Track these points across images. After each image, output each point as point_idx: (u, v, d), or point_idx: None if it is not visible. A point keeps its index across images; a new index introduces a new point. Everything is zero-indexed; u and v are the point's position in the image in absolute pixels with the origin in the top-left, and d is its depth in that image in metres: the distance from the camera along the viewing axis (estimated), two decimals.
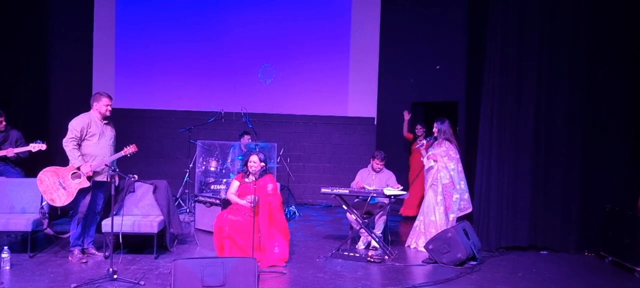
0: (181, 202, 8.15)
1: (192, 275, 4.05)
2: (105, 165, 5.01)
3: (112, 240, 4.94)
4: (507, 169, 6.09)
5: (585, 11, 5.98)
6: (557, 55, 6.04)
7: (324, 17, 9.72)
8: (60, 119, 5.90)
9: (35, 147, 5.61)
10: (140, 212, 5.63)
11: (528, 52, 6.06)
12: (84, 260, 5.14)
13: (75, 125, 5.03)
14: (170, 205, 5.75)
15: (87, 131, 5.04)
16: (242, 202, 5.42)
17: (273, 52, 9.74)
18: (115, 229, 4.90)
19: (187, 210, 7.76)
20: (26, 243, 5.34)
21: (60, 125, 5.42)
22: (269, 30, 9.71)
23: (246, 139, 7.92)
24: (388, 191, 5.82)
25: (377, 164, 6.24)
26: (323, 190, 6.01)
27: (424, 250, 5.79)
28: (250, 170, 5.54)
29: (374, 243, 5.95)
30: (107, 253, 5.19)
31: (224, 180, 7.30)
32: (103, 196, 5.34)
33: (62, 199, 4.98)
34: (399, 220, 7.97)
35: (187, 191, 8.09)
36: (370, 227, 5.92)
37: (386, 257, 5.60)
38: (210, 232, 5.82)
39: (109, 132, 5.24)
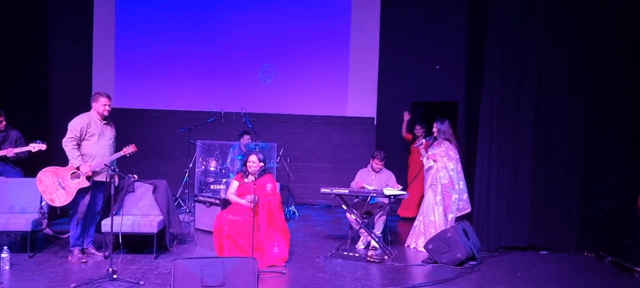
0: (181, 201, 8.15)
1: (192, 275, 4.05)
2: (105, 165, 5.01)
3: (111, 240, 4.94)
4: (507, 169, 6.09)
5: (585, 11, 5.98)
6: (557, 55, 6.04)
7: (324, 17, 9.72)
8: (60, 119, 5.90)
9: (35, 147, 5.61)
10: (139, 212, 5.63)
11: (528, 52, 6.06)
12: (83, 260, 5.14)
13: (75, 125, 5.04)
14: (170, 205, 5.75)
15: (86, 131, 5.05)
16: (243, 201, 5.42)
17: (273, 52, 9.73)
18: (115, 229, 4.90)
19: (187, 210, 7.76)
20: (26, 243, 5.33)
21: (60, 125, 5.42)
22: (269, 30, 9.70)
23: (246, 138, 7.93)
24: (388, 191, 5.81)
25: (377, 164, 6.24)
26: (323, 190, 6.01)
27: (423, 250, 5.79)
28: (249, 170, 5.54)
29: (373, 243, 5.95)
30: (106, 253, 5.19)
31: (224, 180, 7.30)
32: (102, 196, 5.34)
33: (61, 199, 4.99)
34: (398, 220, 7.96)
35: (186, 191, 8.09)
36: (369, 227, 5.92)
37: (386, 257, 5.60)
38: (210, 232, 5.83)
39: (109, 132, 5.24)
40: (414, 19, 9.11)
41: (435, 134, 6.23)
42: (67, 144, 5.00)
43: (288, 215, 7.80)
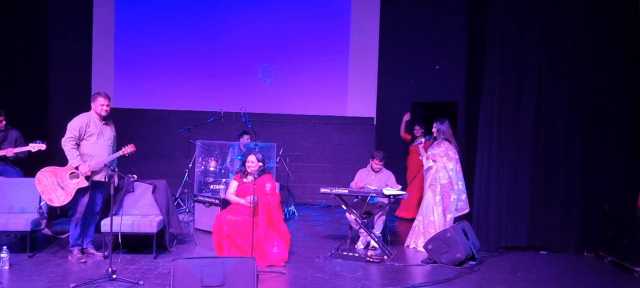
0: (180, 201, 8.15)
1: (192, 275, 4.04)
2: (105, 164, 5.01)
3: (111, 240, 4.93)
4: (506, 169, 6.09)
5: (585, 11, 5.97)
6: (557, 55, 6.04)
7: (324, 17, 9.71)
8: (60, 119, 5.89)
9: (35, 147, 5.60)
10: (139, 212, 5.62)
11: (528, 52, 6.06)
12: (83, 260, 5.14)
13: (74, 124, 5.04)
14: (170, 205, 5.75)
15: (85, 131, 5.05)
16: (242, 201, 5.41)
17: (273, 52, 9.73)
18: (115, 229, 4.89)
19: (186, 210, 7.75)
20: (25, 243, 5.33)
21: (60, 125, 5.42)
22: (269, 30, 9.70)
23: (245, 138, 7.92)
24: (387, 191, 5.81)
25: (377, 164, 6.24)
26: (322, 190, 6.00)
27: (423, 250, 5.78)
28: (248, 171, 5.53)
29: (373, 243, 5.95)
30: (106, 253, 5.18)
31: (223, 180, 7.29)
32: (102, 196, 5.34)
33: (60, 199, 4.98)
34: (397, 220, 7.96)
35: (186, 191, 8.09)
36: (369, 227, 5.92)
37: (385, 257, 5.59)
38: (210, 232, 5.82)
39: (109, 132, 5.24)
40: (414, 19, 9.10)
41: (435, 134, 6.23)
42: (66, 144, 5.00)
43: (288, 215, 7.79)
